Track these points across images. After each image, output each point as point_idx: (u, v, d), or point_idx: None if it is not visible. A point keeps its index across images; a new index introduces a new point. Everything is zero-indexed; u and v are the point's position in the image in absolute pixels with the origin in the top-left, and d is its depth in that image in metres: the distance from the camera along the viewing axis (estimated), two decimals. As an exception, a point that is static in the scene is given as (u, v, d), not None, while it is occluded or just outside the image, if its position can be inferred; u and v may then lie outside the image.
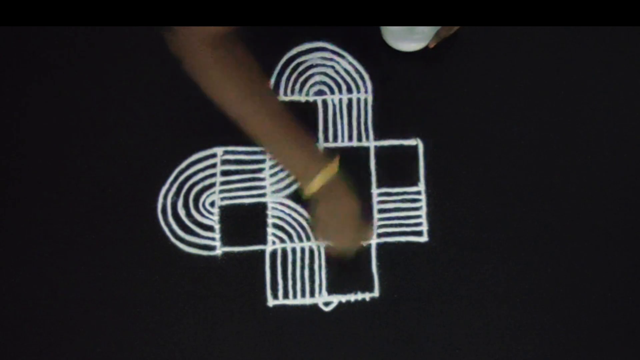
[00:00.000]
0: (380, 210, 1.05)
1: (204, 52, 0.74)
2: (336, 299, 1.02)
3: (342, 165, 1.07)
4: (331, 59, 1.10)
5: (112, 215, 1.05)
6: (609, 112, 1.08)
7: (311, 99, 1.09)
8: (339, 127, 1.08)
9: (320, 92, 1.09)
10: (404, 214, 1.05)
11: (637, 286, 1.03)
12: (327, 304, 1.02)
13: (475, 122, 1.08)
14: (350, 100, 1.09)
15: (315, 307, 1.02)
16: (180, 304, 1.02)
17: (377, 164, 1.07)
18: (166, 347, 1.01)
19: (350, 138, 1.08)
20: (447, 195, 1.06)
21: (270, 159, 0.84)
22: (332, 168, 0.85)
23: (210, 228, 1.05)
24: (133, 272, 1.03)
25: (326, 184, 0.84)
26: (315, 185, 0.83)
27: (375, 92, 1.09)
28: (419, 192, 1.06)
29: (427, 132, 1.08)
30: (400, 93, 1.09)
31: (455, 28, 1.07)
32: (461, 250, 1.03)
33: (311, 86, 1.10)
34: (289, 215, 1.05)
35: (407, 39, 1.06)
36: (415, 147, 1.07)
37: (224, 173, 1.07)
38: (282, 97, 1.09)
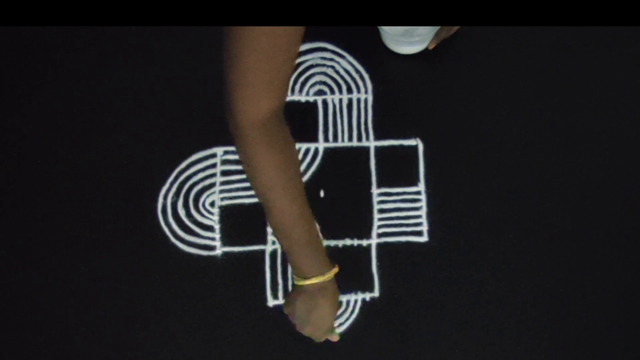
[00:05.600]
0: (380, 210, 1.05)
1: (252, 131, 0.73)
2: (336, 299, 1.02)
3: (342, 165, 1.08)
4: (331, 59, 1.10)
5: (112, 215, 1.05)
6: (609, 112, 1.08)
7: (311, 99, 1.09)
8: (339, 127, 1.08)
9: (320, 92, 1.09)
10: (404, 214, 1.05)
11: (638, 286, 1.03)
12: (327, 304, 1.02)
13: (475, 122, 1.08)
14: (350, 100, 1.09)
15: (315, 307, 1.02)
16: (180, 304, 1.02)
17: (377, 164, 1.07)
18: (166, 347, 1.01)
19: (350, 138, 1.08)
20: (447, 195, 1.06)
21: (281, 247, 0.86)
22: (330, 275, 0.86)
23: (210, 228, 1.05)
24: (133, 272, 1.03)
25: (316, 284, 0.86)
26: (305, 282, 0.85)
27: (375, 92, 1.09)
28: (419, 192, 1.06)
29: (427, 132, 1.08)
30: (400, 93, 1.09)
31: (455, 28, 1.07)
32: (461, 250, 1.04)
33: (311, 86, 1.10)
34: (289, 215, 1.05)
35: (407, 43, 1.06)
36: (415, 147, 1.07)
37: (224, 173, 1.07)
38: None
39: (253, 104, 0.72)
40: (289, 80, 0.75)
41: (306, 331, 0.91)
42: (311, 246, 0.84)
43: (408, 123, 1.08)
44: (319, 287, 0.86)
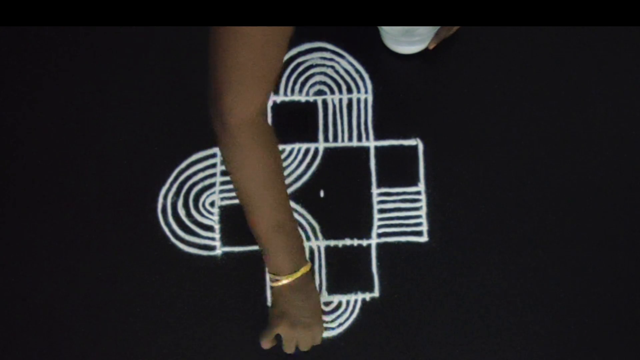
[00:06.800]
0: (380, 210, 1.05)
1: (242, 130, 0.73)
2: (336, 299, 1.02)
3: (342, 165, 1.08)
4: (331, 59, 1.10)
5: (112, 215, 1.05)
6: (609, 112, 1.08)
7: (311, 99, 1.09)
8: (339, 127, 1.08)
9: (320, 92, 1.09)
10: (404, 214, 1.05)
11: (637, 286, 1.03)
12: (327, 303, 1.02)
13: (475, 122, 1.08)
14: (350, 100, 1.09)
15: (315, 307, 1.02)
16: (180, 304, 1.02)
17: (377, 164, 1.07)
18: (166, 347, 1.01)
19: (350, 138, 1.08)
20: (447, 195, 1.06)
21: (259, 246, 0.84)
22: (305, 269, 0.84)
23: (210, 228, 1.05)
24: (133, 272, 1.03)
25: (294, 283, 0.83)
26: (280, 282, 0.83)
27: (375, 92, 1.09)
28: (419, 192, 1.06)
29: (427, 132, 1.08)
30: (400, 93, 1.09)
31: (455, 28, 1.07)
32: (461, 250, 1.04)
33: (311, 86, 1.10)
34: (289, 215, 1.05)
35: (407, 43, 1.06)
36: (415, 147, 1.07)
37: (224, 173, 1.07)
38: (282, 97, 1.09)
39: (245, 102, 0.72)
40: (278, 75, 0.74)
41: (300, 333, 0.86)
42: (291, 247, 0.82)
43: (408, 123, 1.08)
44: (304, 279, 0.84)
